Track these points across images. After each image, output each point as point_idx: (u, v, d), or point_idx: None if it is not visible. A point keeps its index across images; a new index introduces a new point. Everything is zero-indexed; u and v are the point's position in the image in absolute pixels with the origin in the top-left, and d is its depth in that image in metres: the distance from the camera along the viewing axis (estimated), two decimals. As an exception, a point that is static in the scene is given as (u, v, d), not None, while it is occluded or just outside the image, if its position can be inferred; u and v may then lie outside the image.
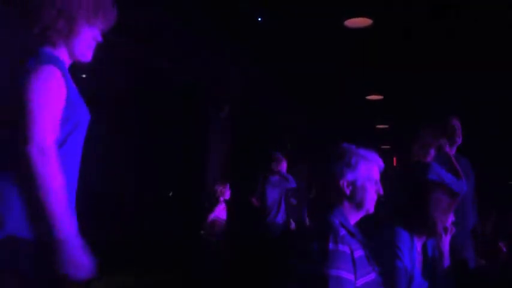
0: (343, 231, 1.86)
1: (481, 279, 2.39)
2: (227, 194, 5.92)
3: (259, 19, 4.00)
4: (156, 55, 4.96)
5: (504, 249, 2.46)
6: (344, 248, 1.80)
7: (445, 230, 2.33)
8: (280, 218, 5.89)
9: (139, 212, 6.73)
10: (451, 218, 2.34)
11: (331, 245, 1.79)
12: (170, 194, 7.07)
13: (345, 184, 1.93)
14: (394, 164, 13.18)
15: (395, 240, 2.27)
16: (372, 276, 1.89)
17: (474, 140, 3.46)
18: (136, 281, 5.47)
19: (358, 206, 1.95)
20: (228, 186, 5.94)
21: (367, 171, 1.95)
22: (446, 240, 2.35)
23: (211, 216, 5.78)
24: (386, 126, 8.90)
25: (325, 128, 8.27)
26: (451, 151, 3.30)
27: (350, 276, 1.78)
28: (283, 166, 5.97)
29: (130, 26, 4.10)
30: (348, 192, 1.93)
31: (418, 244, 2.34)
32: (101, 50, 1.83)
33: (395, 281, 2.18)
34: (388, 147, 11.33)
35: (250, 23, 4.09)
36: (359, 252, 1.86)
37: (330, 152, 2.03)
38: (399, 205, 2.56)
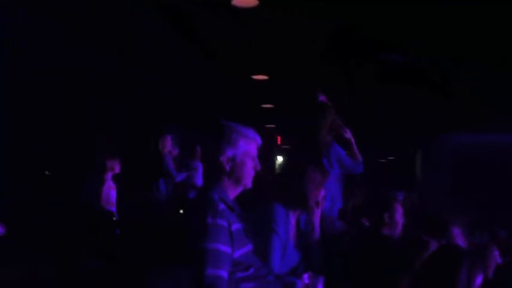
0: (221, 206, 1.92)
1: (347, 248, 2.62)
2: (117, 169, 5.81)
3: None
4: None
5: (366, 224, 2.73)
6: (222, 222, 1.88)
7: (317, 204, 2.50)
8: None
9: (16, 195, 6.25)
10: (322, 193, 2.52)
11: (209, 219, 1.86)
12: (46, 173, 6.67)
13: (225, 160, 2.00)
14: (279, 143, 13.75)
15: (271, 214, 2.40)
16: (249, 247, 1.99)
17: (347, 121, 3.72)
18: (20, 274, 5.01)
19: (237, 181, 2.03)
20: (118, 160, 5.82)
21: (246, 148, 2.03)
22: (317, 214, 2.53)
23: (104, 192, 5.64)
24: (271, 105, 9.15)
25: (212, 107, 8.32)
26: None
27: (227, 249, 1.86)
28: (175, 150, 6.07)
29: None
30: (227, 168, 2.00)
31: (293, 218, 2.50)
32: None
33: (271, 252, 2.31)
34: (273, 126, 11.71)
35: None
36: (237, 226, 1.95)
37: (213, 131, 2.08)
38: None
